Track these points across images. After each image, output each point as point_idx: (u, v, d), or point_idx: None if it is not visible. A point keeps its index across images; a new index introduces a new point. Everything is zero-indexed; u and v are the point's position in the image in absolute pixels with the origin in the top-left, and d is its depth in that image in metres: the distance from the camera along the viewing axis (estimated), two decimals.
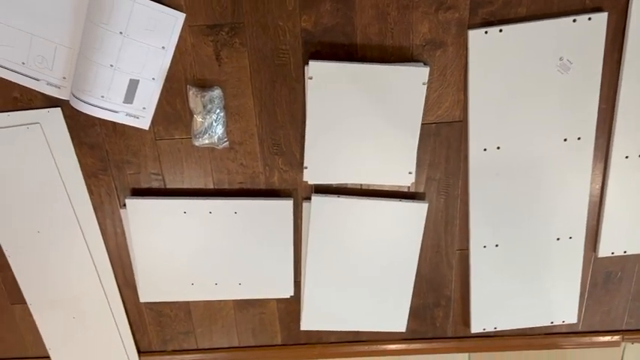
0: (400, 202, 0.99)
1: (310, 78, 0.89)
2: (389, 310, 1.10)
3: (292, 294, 1.08)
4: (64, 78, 0.91)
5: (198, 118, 0.92)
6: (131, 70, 0.89)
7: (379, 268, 1.05)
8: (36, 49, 0.88)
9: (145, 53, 0.88)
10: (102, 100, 0.90)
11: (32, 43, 0.88)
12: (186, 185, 1.00)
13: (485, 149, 0.96)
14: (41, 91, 0.91)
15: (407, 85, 0.89)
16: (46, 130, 0.94)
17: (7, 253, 1.05)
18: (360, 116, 0.92)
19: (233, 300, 1.11)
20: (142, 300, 1.09)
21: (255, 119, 0.95)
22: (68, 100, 0.92)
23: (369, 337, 1.16)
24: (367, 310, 1.10)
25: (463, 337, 1.15)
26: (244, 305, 1.12)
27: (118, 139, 0.96)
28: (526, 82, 0.91)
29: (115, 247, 1.05)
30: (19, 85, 0.91)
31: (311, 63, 0.88)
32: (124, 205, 1.01)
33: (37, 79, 0.91)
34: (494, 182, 0.99)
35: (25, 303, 1.10)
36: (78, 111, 0.92)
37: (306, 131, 0.93)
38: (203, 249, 1.03)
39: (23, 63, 0.89)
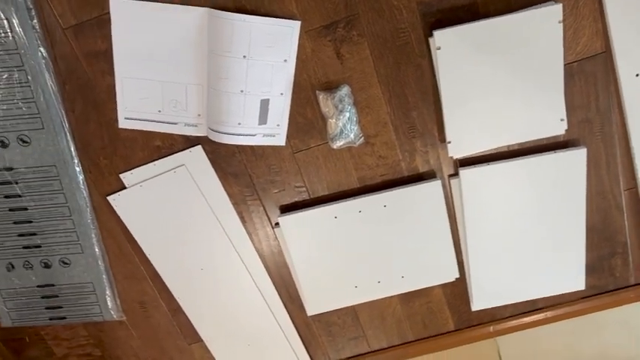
0: (555, 154, 0.94)
1: (438, 48, 0.86)
2: (563, 270, 1.04)
3: (457, 276, 1.05)
4: (199, 115, 0.93)
5: (332, 121, 0.92)
6: (260, 91, 0.90)
7: (545, 229, 1.00)
8: (168, 95, 0.91)
9: (270, 70, 0.89)
10: (239, 127, 0.92)
11: (164, 90, 0.91)
12: (330, 190, 1.00)
13: (637, 74, 0.89)
14: (180, 133, 0.94)
15: (541, 28, 0.84)
16: (191, 169, 0.97)
17: (177, 297, 1.08)
18: (496, 75, 0.87)
19: (398, 295, 1.09)
20: (309, 314, 1.10)
21: (386, 107, 0.93)
22: (206, 136, 0.94)
23: (546, 303, 1.10)
24: (540, 274, 1.04)
25: None
26: (409, 298, 1.09)
27: (258, 161, 0.97)
28: None
29: (275, 267, 1.06)
30: (159, 133, 0.95)
31: (435, 33, 0.85)
32: (277, 224, 1.02)
33: (175, 123, 0.94)
34: None
35: (202, 341, 1.13)
36: (217, 144, 0.94)
37: (443, 104, 0.90)
38: (360, 249, 1.02)
39: (159, 111, 0.93)
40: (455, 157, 0.95)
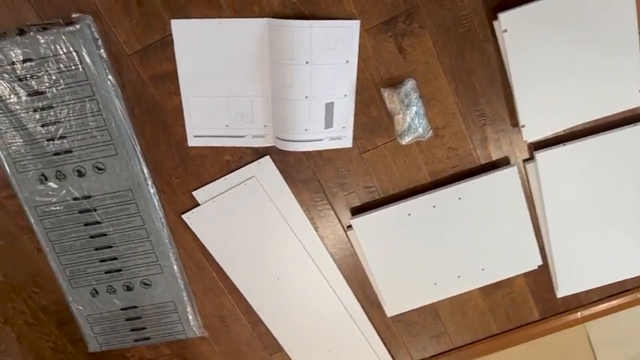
0: (635, 127, 0.90)
1: (504, 31, 0.83)
2: None
3: (540, 263, 1.01)
4: (265, 126, 0.93)
5: (399, 117, 0.91)
6: (324, 95, 0.90)
7: (629, 206, 0.96)
8: (234, 109, 0.92)
9: (332, 73, 0.88)
10: (305, 133, 0.92)
11: (230, 104, 0.92)
12: (401, 188, 0.98)
13: None
14: (248, 145, 0.95)
15: None
16: (261, 180, 0.97)
17: (255, 308, 1.09)
18: (567, 52, 0.84)
19: (478, 288, 1.06)
20: (389, 315, 1.08)
21: (453, 96, 0.91)
22: (274, 146, 0.94)
23: (635, 283, 1.05)
24: (627, 254, 1.00)
25: None
26: (491, 290, 1.07)
27: (326, 166, 0.97)
28: None
29: (350, 270, 1.05)
30: (228, 147, 0.95)
31: (501, 16, 0.83)
32: (349, 226, 1.01)
33: (242, 136, 0.94)
34: None
35: (283, 350, 1.13)
36: (285, 152, 0.94)
37: (514, 88, 0.87)
38: (437, 245, 1.00)
39: (227, 125, 0.93)
40: (529, 141, 0.93)
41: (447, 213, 0.97)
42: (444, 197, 0.96)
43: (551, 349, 1.13)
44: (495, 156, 0.95)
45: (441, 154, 0.95)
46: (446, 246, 1.00)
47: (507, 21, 0.83)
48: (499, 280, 1.04)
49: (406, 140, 0.92)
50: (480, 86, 0.90)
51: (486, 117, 0.92)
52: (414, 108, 0.90)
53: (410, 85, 0.89)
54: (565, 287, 1.04)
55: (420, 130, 0.91)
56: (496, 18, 0.84)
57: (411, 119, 0.90)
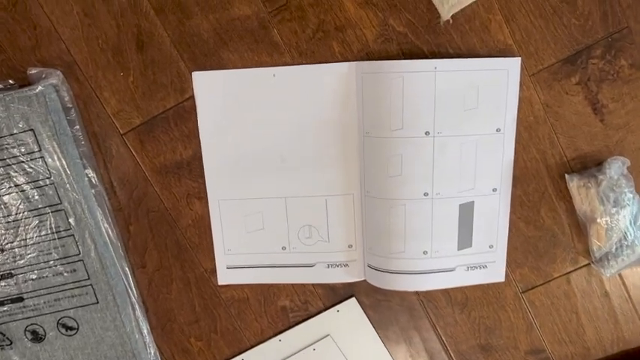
0: None
1: None
2: None
3: None
4: (350, 246, 0.54)
5: (599, 224, 0.50)
6: (457, 190, 0.50)
7: None
8: (297, 218, 0.54)
9: (473, 151, 0.50)
10: (424, 259, 0.51)
11: (289, 211, 0.54)
12: (598, 354, 0.54)
13: None
14: (320, 282, 0.55)
15: None
16: (340, 341, 0.57)
17: None
18: None
19: None
20: None
21: None
22: (364, 281, 0.54)
23: None
24: None
25: None
26: None
27: (457, 314, 0.55)
28: None
29: None
30: (284, 285, 0.55)
31: None
32: None
33: (310, 265, 0.55)
34: None
35: None
36: (384, 293, 0.54)
37: None
38: None
39: (283, 248, 0.54)
40: None
41: None
42: None
43: None
44: None
45: None
46: None
47: None
48: None
49: (613, 269, 0.50)
50: None
51: None
52: (629, 209, 0.49)
53: (617, 168, 0.49)
54: None
55: (639, 250, 0.49)
56: None
57: (625, 230, 0.49)
